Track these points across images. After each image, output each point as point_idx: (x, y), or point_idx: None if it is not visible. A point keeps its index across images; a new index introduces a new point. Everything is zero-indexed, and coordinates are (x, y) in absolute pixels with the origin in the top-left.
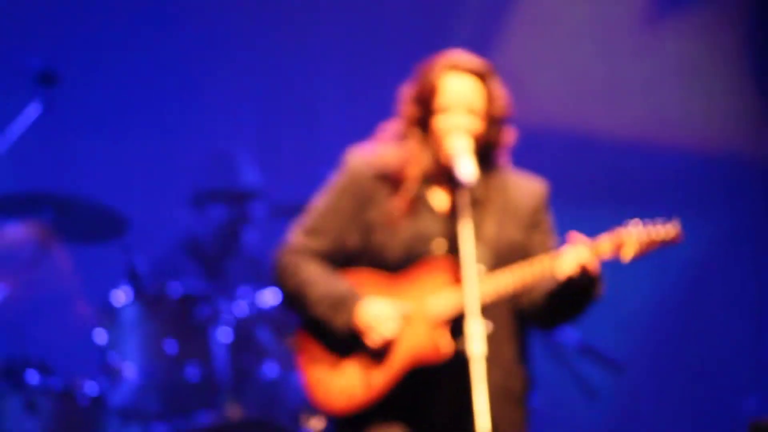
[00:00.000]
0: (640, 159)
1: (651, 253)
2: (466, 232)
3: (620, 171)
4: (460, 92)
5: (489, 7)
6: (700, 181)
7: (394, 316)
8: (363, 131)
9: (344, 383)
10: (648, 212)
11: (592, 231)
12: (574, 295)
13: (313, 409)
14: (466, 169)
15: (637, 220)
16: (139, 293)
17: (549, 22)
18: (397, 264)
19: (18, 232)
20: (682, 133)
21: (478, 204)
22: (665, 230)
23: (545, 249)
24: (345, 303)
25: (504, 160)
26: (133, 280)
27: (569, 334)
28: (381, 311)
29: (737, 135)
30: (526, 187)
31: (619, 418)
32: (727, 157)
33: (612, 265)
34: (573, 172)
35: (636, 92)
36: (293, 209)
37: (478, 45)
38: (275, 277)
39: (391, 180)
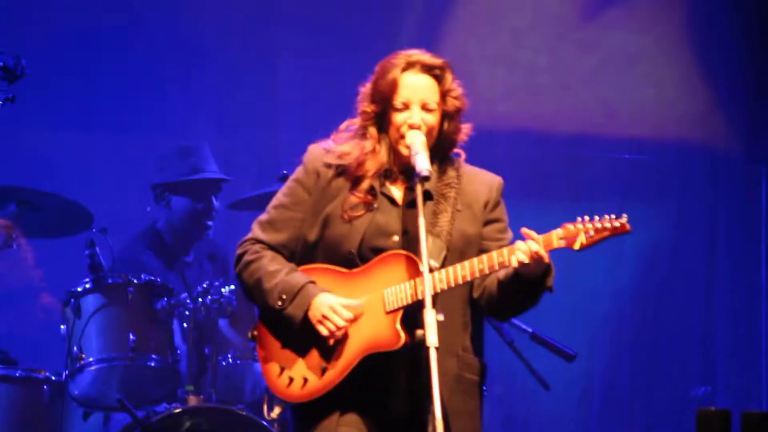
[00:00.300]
0: (590, 150)
1: (601, 243)
2: (421, 225)
3: (572, 162)
4: (417, 89)
5: (434, 3)
6: (651, 170)
7: (348, 306)
8: (321, 128)
9: (301, 372)
10: (600, 202)
11: (544, 223)
12: (527, 285)
13: (273, 397)
14: (422, 164)
15: (587, 217)
16: (100, 283)
17: (494, 17)
18: (353, 257)
19: None
20: (631, 123)
21: (433, 198)
22: (614, 221)
23: (499, 242)
24: (301, 294)
25: (459, 155)
26: (95, 270)
27: (522, 325)
28: (336, 302)
29: (686, 123)
30: (480, 182)
31: (572, 406)
32: (676, 146)
33: (565, 257)
34: (524, 165)
35: (584, 84)
36: (252, 203)
37: (424, 42)
38: (235, 269)
39: (349, 175)
